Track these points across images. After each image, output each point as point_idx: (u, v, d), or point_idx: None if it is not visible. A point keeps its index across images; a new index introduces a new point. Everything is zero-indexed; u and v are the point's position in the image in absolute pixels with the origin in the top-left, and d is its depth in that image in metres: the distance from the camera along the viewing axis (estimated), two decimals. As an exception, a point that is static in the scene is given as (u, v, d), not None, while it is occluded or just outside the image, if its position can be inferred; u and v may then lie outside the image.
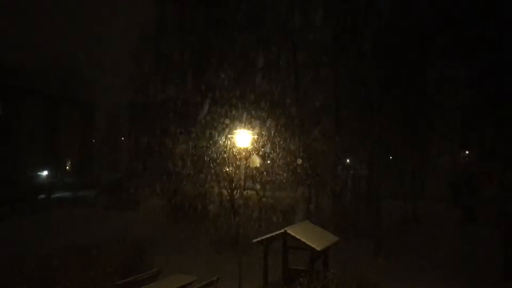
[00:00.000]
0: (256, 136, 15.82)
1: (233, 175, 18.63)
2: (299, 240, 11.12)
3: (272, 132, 19.09)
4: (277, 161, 19.96)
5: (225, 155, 18.32)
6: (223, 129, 17.94)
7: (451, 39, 18.06)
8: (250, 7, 21.45)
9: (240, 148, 12.43)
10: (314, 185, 22.65)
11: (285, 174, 20.39)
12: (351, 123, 23.57)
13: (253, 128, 15.84)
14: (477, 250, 18.06)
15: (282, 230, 11.45)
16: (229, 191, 19.46)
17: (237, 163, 17.25)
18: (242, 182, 15.73)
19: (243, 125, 15.53)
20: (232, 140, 14.37)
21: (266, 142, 18.90)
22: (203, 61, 20.70)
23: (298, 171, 21.30)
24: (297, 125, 21.49)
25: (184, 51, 21.60)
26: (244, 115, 17.98)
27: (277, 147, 19.62)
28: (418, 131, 25.48)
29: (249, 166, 17.51)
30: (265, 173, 19.86)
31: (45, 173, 44.99)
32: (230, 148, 17.56)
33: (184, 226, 20.80)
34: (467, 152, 33.26)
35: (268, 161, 19.99)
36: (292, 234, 11.26)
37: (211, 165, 18.91)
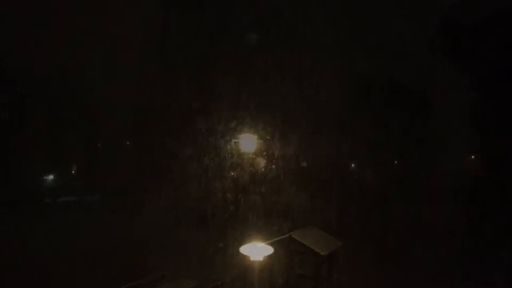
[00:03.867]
0: (261, 140, 15.80)
1: (238, 179, 18.59)
2: (303, 244, 11.08)
3: (277, 136, 19.06)
4: (282, 164, 19.91)
5: (230, 159, 18.30)
6: (228, 133, 17.95)
7: (454, 42, 18.01)
8: (254, 10, 21.48)
9: (245, 152, 12.41)
10: (319, 189, 22.54)
11: (290, 178, 20.32)
12: (355, 127, 23.44)
13: (258, 132, 15.82)
14: (483, 255, 17.89)
15: (287, 235, 11.41)
16: (233, 194, 19.43)
17: (242, 167, 17.25)
18: (246, 186, 15.71)
19: (248, 129, 15.53)
20: (237, 144, 14.37)
21: (271, 146, 18.87)
22: (206, 64, 20.74)
23: (303, 175, 21.24)
24: (301, 128, 21.42)
25: (187, 54, 21.65)
26: (249, 119, 17.98)
27: (282, 150, 19.58)
28: (423, 135, 25.32)
29: (253, 170, 17.50)
30: (269, 176, 19.81)
31: (50, 177, 45.13)
32: (235, 152, 17.54)
33: (188, 230, 20.78)
34: (472, 156, 33.02)
35: (273, 165, 19.94)
36: (297, 238, 11.21)
37: (216, 169, 18.90)
